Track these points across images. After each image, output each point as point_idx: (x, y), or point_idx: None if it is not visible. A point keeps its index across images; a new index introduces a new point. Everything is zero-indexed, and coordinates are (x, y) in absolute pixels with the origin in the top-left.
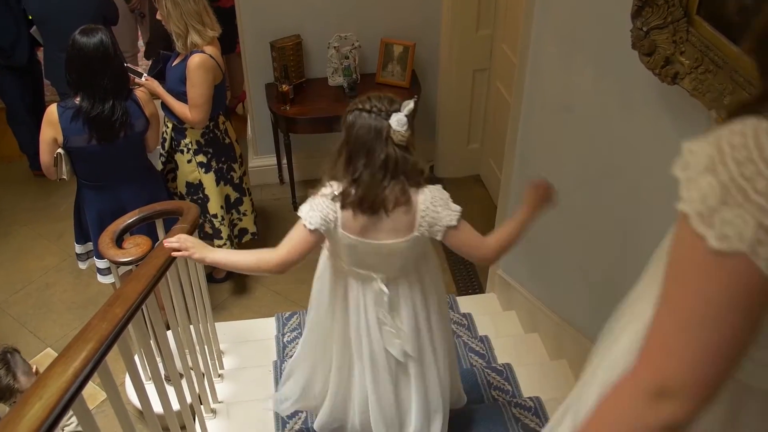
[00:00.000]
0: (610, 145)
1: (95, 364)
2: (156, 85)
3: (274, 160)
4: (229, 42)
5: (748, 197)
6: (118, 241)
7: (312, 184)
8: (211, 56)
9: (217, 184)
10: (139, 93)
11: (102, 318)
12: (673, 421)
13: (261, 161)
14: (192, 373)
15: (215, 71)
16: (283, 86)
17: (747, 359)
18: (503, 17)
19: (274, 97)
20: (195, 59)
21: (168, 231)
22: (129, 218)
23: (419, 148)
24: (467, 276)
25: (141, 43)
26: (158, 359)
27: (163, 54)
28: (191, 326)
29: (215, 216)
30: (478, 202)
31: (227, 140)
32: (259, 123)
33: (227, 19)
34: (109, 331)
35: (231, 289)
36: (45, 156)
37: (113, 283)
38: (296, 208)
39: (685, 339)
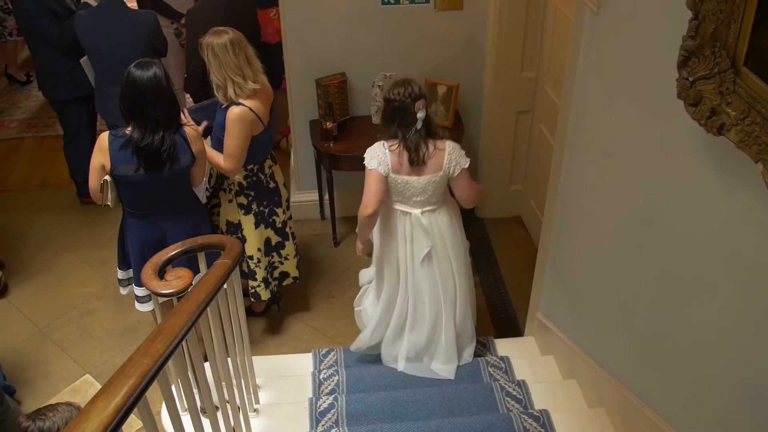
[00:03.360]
0: (652, 192)
1: (136, 400)
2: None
3: (316, 196)
4: (275, 78)
5: None
6: (161, 273)
7: (354, 221)
8: (251, 109)
9: (257, 226)
10: (189, 129)
11: (144, 353)
12: None
13: (303, 196)
14: (228, 406)
15: (254, 124)
16: (327, 123)
17: None
18: (547, 59)
19: (318, 133)
20: (234, 111)
21: (209, 264)
22: (172, 251)
23: None
24: (506, 318)
25: None
26: (195, 391)
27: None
28: (228, 359)
29: (251, 257)
30: (518, 244)
31: (272, 184)
32: (302, 159)
33: (274, 55)
34: (150, 367)
35: (268, 323)
36: (93, 181)
37: (152, 311)
38: (337, 244)
39: None
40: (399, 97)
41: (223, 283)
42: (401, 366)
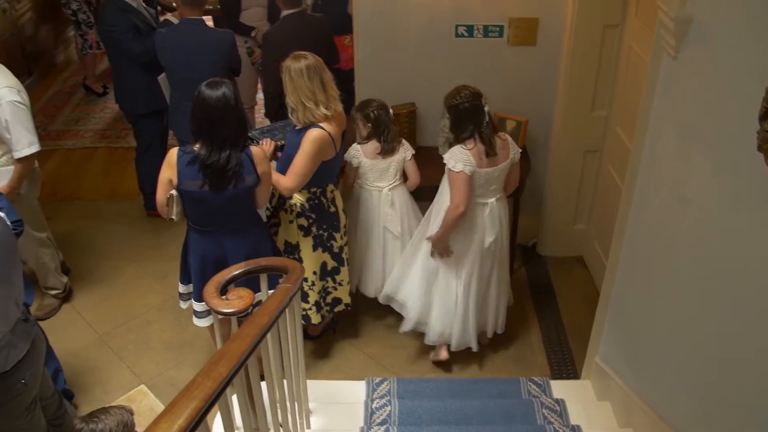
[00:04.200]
0: (724, 244)
1: (198, 422)
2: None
3: None
4: (346, 104)
5: None
6: (223, 291)
7: None
8: (329, 134)
9: (314, 249)
10: (255, 150)
11: (207, 376)
12: None
13: None
14: (281, 429)
15: (328, 149)
16: None
17: None
18: (620, 99)
19: None
20: (314, 133)
21: (270, 285)
22: (235, 270)
23: (524, 224)
24: (562, 359)
25: (260, 96)
26: (250, 411)
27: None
28: (284, 381)
29: (305, 280)
30: (579, 284)
31: (333, 209)
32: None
33: (346, 82)
34: (213, 390)
35: (323, 347)
36: (160, 194)
37: (209, 327)
38: None
39: None
40: (466, 99)
41: (285, 308)
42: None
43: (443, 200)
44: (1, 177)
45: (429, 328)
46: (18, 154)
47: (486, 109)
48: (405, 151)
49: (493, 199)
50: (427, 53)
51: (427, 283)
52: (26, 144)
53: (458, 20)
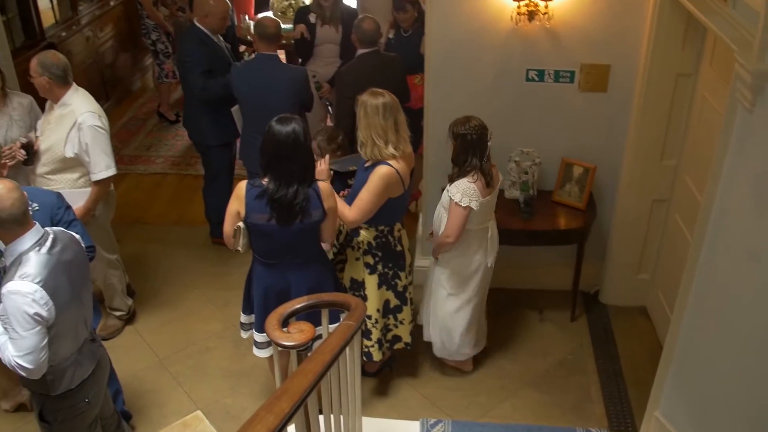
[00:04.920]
0: None
1: None
2: (326, 176)
3: None
4: (413, 142)
5: None
6: (284, 324)
7: None
8: (397, 171)
9: (379, 287)
10: (322, 185)
11: (269, 410)
12: None
13: (426, 262)
14: None
15: (396, 187)
16: None
17: None
18: (691, 149)
19: None
20: (383, 169)
21: (330, 319)
22: (297, 303)
23: (587, 271)
24: (621, 411)
25: None
26: None
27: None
28: (341, 416)
29: (369, 317)
30: (641, 335)
31: (399, 248)
32: (430, 225)
33: (415, 120)
34: (275, 425)
35: (379, 384)
36: (227, 226)
37: (268, 358)
38: None
39: None
40: (474, 130)
41: (347, 345)
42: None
43: (442, 224)
44: (78, 198)
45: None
46: (95, 177)
47: (489, 143)
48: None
49: (491, 221)
50: (497, 96)
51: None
52: (103, 167)
53: (529, 64)
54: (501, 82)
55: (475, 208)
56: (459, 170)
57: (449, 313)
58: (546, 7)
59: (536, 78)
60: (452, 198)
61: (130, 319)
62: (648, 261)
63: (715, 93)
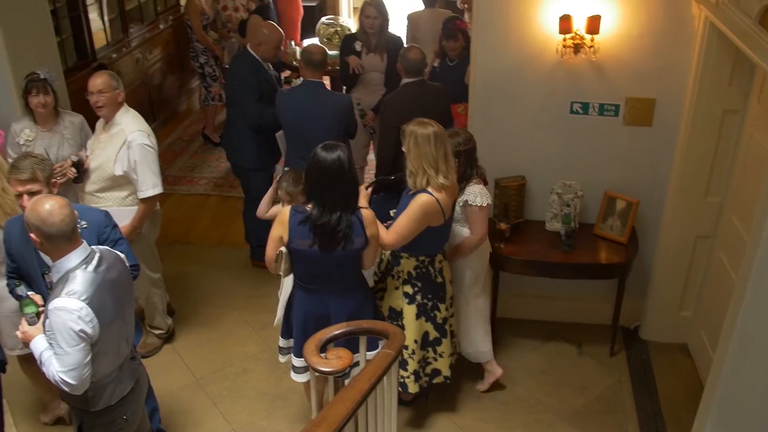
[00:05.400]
0: None
1: None
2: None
3: None
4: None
5: None
6: (322, 349)
7: (516, 323)
8: (438, 201)
9: (417, 317)
10: (365, 212)
11: None
12: None
13: None
14: None
15: (435, 216)
16: (501, 224)
17: None
18: (737, 186)
19: (490, 232)
20: (422, 198)
21: (369, 346)
22: (336, 330)
23: (628, 306)
24: None
25: (371, 157)
26: None
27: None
28: None
29: (406, 347)
30: (682, 374)
31: (439, 279)
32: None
33: None
34: None
35: (414, 414)
36: (270, 250)
37: (305, 383)
38: (493, 344)
39: None
40: (468, 144)
41: (385, 374)
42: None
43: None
44: (125, 216)
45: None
46: (142, 195)
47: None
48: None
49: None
50: (540, 128)
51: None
52: (151, 185)
53: (574, 97)
54: (545, 114)
55: (491, 203)
56: (466, 181)
57: (474, 314)
58: (592, 40)
59: (581, 111)
60: (473, 204)
61: (168, 337)
62: (690, 298)
63: (763, 130)
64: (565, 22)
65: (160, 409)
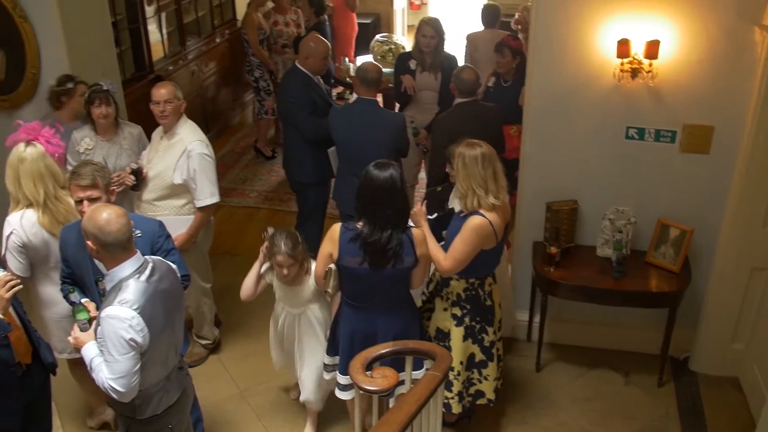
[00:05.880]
0: None
1: None
2: (423, 218)
3: (526, 316)
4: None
5: None
6: (368, 368)
7: (562, 348)
8: (490, 223)
9: (464, 339)
10: (416, 232)
11: None
12: None
13: (521, 315)
14: None
15: (488, 238)
16: (552, 248)
17: None
18: None
19: (541, 256)
20: (475, 220)
21: (414, 366)
22: (383, 349)
23: (678, 336)
24: None
25: (422, 175)
26: None
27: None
28: None
29: (451, 369)
30: (731, 408)
31: (489, 302)
32: (519, 277)
33: (508, 170)
34: None
35: None
36: (319, 267)
37: (349, 401)
38: (539, 369)
39: None
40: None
41: (431, 396)
42: None
43: None
44: (181, 225)
45: None
46: (200, 203)
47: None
48: None
49: None
50: (594, 152)
51: None
52: (208, 194)
53: (630, 122)
54: (599, 138)
55: None
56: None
57: None
58: (650, 65)
59: (636, 136)
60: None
61: (215, 348)
62: (743, 330)
63: None
64: (624, 47)
65: (203, 419)
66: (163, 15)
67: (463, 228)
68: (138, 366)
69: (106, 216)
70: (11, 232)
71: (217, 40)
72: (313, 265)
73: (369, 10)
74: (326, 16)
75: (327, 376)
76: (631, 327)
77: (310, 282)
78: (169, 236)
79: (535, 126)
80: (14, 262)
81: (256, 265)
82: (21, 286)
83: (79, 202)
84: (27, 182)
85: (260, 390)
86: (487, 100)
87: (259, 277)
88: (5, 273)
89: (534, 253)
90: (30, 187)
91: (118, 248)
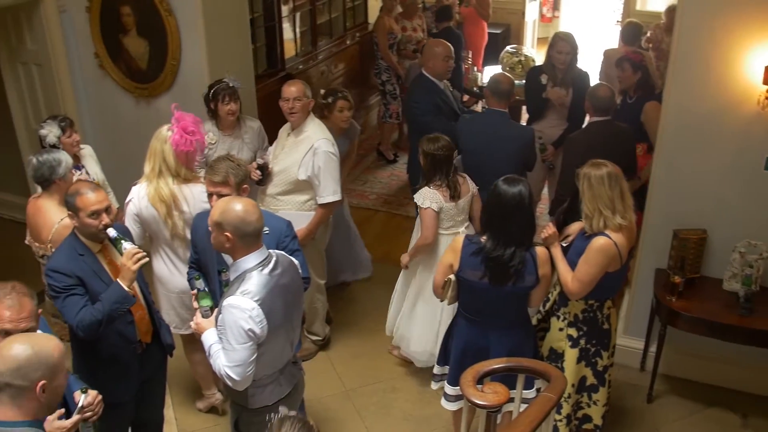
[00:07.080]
0: None
1: None
2: (557, 241)
3: (641, 345)
4: None
5: None
6: (479, 381)
7: (679, 382)
8: (615, 244)
9: (578, 362)
10: (540, 250)
11: None
12: None
13: (627, 341)
14: None
15: (614, 260)
16: (676, 277)
17: None
18: None
19: (662, 284)
20: (599, 241)
21: (525, 385)
22: (496, 364)
23: None
24: None
25: (545, 192)
26: None
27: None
28: None
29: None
30: None
31: (606, 326)
32: (638, 303)
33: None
34: None
35: None
36: (439, 276)
37: (454, 412)
38: (650, 401)
39: None
40: (442, 151)
41: (545, 419)
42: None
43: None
44: (301, 220)
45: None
46: (322, 200)
47: (455, 162)
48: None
49: (462, 228)
50: (729, 181)
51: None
52: (331, 192)
53: None
54: (736, 166)
55: (435, 209)
56: (427, 183)
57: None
58: None
59: None
60: (417, 203)
61: (324, 345)
62: None
63: None
64: None
65: (307, 414)
66: (298, 15)
67: (588, 249)
68: (254, 356)
69: (242, 207)
70: (130, 200)
71: (348, 42)
72: None
73: (500, 20)
74: (452, 24)
75: (434, 386)
76: (754, 367)
77: None
78: (295, 237)
79: (668, 148)
80: (131, 229)
81: None
82: (147, 259)
83: (210, 196)
84: (149, 155)
85: (366, 391)
86: (616, 118)
87: None
88: (133, 246)
89: (656, 281)
90: (150, 160)
91: (252, 237)
